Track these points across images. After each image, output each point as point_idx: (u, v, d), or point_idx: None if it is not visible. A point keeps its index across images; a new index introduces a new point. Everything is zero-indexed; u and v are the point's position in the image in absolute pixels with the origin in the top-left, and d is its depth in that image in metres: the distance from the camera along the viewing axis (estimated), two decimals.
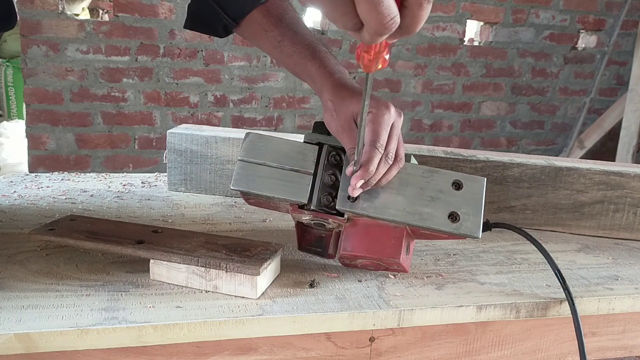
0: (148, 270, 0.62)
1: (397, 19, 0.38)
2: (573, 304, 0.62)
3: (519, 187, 0.89)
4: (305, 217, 0.64)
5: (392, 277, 0.68)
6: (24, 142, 2.65)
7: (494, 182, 0.88)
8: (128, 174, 1.08)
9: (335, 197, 0.62)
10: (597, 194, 0.88)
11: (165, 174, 1.01)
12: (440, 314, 0.61)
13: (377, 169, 0.59)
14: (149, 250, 0.61)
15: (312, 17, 3.20)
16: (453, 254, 0.77)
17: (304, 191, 0.62)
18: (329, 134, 0.66)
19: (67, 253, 0.68)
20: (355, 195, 0.60)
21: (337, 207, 0.62)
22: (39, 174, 1.05)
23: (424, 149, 0.93)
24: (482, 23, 3.20)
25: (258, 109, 2.87)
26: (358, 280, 0.66)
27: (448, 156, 0.89)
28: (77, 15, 2.73)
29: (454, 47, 3.13)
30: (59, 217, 0.73)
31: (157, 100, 2.70)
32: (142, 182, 1.03)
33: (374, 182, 0.60)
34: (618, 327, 0.72)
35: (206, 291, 0.60)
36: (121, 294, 0.59)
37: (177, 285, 0.61)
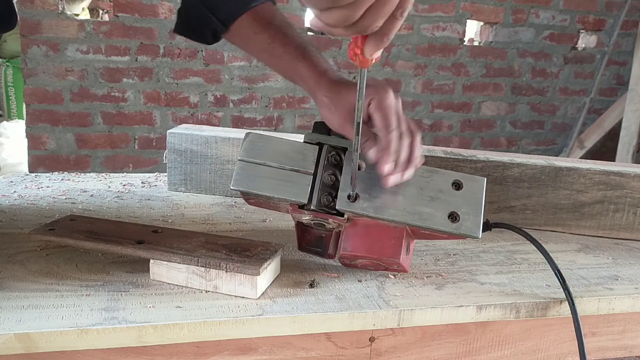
0: (148, 270, 0.62)
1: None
2: (573, 304, 0.62)
3: (519, 187, 0.89)
4: (305, 217, 0.64)
5: (392, 277, 0.68)
6: (24, 142, 2.65)
7: (494, 182, 0.88)
8: (128, 174, 1.08)
9: (335, 197, 0.62)
10: (597, 194, 0.88)
11: (165, 174, 1.01)
12: (440, 314, 0.61)
13: (400, 147, 0.59)
14: (149, 250, 0.61)
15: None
16: (453, 254, 0.77)
17: (304, 191, 0.62)
18: (329, 134, 0.66)
19: (67, 253, 0.68)
20: (391, 185, 0.60)
21: (337, 207, 0.62)
22: (39, 174, 1.05)
23: (424, 149, 0.92)
24: (482, 23, 3.20)
25: (258, 109, 2.87)
26: (358, 280, 0.66)
27: (448, 156, 0.89)
28: (77, 15, 2.73)
29: (454, 47, 3.13)
30: (59, 217, 0.73)
31: (157, 100, 2.70)
32: (142, 182, 1.03)
33: (403, 162, 0.60)
34: (618, 327, 0.72)
35: (206, 291, 0.60)
36: (121, 294, 0.59)
37: (177, 285, 0.61)
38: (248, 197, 0.66)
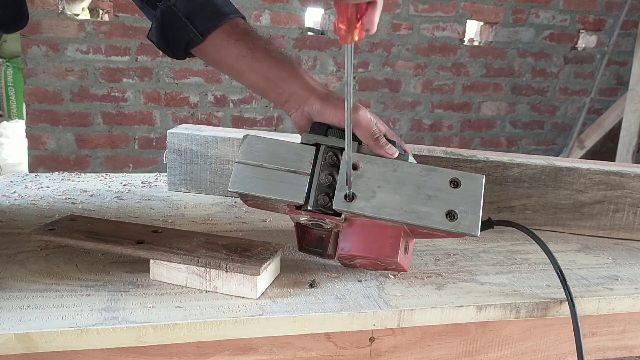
0: (148, 270, 0.62)
1: None
2: (573, 305, 0.62)
3: (519, 187, 0.89)
4: (303, 218, 0.64)
5: (392, 277, 0.68)
6: (24, 142, 2.65)
7: (494, 182, 0.88)
8: (128, 174, 1.08)
9: (332, 197, 0.62)
10: (597, 194, 0.88)
11: (165, 174, 1.01)
12: (440, 314, 0.61)
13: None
14: (149, 250, 0.61)
15: (313, 17, 3.19)
16: (453, 254, 0.77)
17: (301, 192, 0.62)
18: (326, 134, 0.66)
19: (67, 253, 0.68)
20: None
21: (334, 207, 0.62)
22: (39, 174, 1.05)
23: (424, 149, 0.93)
24: (482, 23, 3.20)
25: (258, 109, 2.87)
26: (358, 280, 0.66)
27: (448, 156, 0.89)
28: (77, 15, 2.73)
29: (454, 47, 3.13)
30: (59, 217, 0.73)
31: (157, 100, 2.70)
32: (142, 182, 1.03)
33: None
34: (618, 327, 0.72)
35: (206, 291, 0.60)
36: (121, 294, 0.59)
37: (177, 285, 0.61)
38: (246, 198, 0.66)
